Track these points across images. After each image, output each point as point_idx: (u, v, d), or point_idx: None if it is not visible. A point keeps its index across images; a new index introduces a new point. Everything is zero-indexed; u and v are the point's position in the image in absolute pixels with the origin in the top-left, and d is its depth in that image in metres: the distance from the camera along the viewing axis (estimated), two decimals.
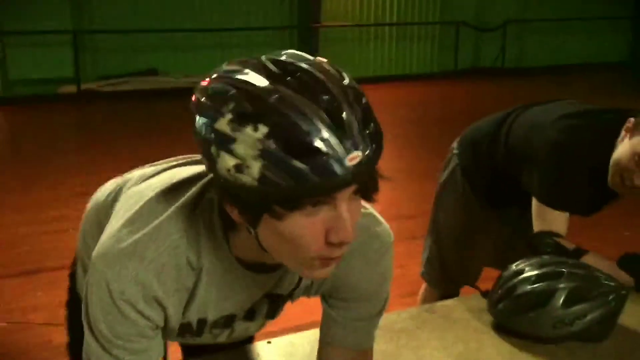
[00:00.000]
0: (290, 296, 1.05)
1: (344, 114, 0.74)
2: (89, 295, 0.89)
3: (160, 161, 1.13)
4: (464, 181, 1.98)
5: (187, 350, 1.47)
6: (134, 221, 0.90)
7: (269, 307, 1.04)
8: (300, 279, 1.00)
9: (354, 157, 0.73)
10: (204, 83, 0.79)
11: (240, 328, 1.06)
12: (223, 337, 1.08)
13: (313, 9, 8.62)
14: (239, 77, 0.76)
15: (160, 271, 0.87)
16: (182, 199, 0.90)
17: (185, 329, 0.99)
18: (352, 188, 0.77)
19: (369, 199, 0.82)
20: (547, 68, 9.87)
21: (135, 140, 5.84)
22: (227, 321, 1.02)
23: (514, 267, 1.48)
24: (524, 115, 1.82)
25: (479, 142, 1.92)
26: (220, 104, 0.75)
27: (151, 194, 0.93)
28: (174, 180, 0.95)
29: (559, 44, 10.20)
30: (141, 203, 0.92)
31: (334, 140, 0.73)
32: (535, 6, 9.94)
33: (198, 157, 0.98)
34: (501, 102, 7.32)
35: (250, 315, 1.03)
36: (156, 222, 0.88)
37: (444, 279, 2.10)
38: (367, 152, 0.75)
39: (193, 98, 0.80)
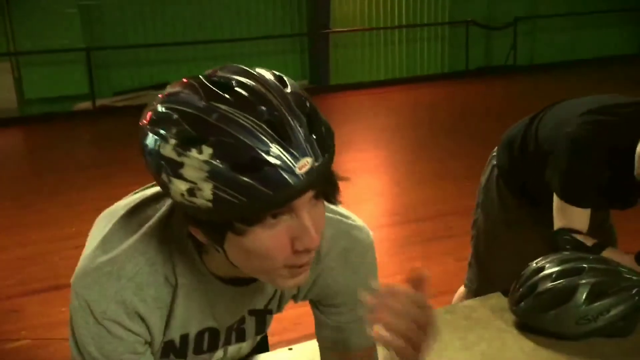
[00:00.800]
0: (279, 307, 1.05)
1: (286, 123, 0.73)
2: (74, 320, 0.90)
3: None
4: (499, 180, 1.97)
5: None
6: (107, 241, 0.90)
7: (256, 323, 1.04)
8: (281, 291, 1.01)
9: (304, 165, 0.73)
10: (149, 109, 0.79)
11: (233, 350, 1.07)
12: (217, 359, 1.07)
13: (322, 15, 8.64)
14: (178, 99, 0.76)
15: (139, 289, 0.88)
16: (154, 217, 0.91)
17: (169, 348, 0.98)
18: (310, 194, 0.77)
19: (331, 201, 0.82)
20: (560, 64, 9.80)
21: None
22: (212, 339, 1.01)
23: (534, 264, 1.47)
24: (553, 109, 1.81)
25: (513, 140, 1.91)
26: (164, 130, 0.75)
27: (121, 212, 0.94)
28: (143, 198, 0.95)
29: (571, 39, 10.13)
30: (113, 222, 0.92)
31: (280, 151, 0.72)
32: (545, 2, 9.90)
33: None
34: (514, 100, 7.32)
35: (240, 335, 1.04)
36: (131, 240, 0.89)
37: (484, 284, 2.06)
38: (317, 158, 0.74)
39: (140, 124, 0.79)
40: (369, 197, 4.61)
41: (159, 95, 0.79)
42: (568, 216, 1.63)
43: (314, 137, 0.75)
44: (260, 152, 0.72)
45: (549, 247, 1.66)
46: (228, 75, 0.77)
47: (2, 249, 3.94)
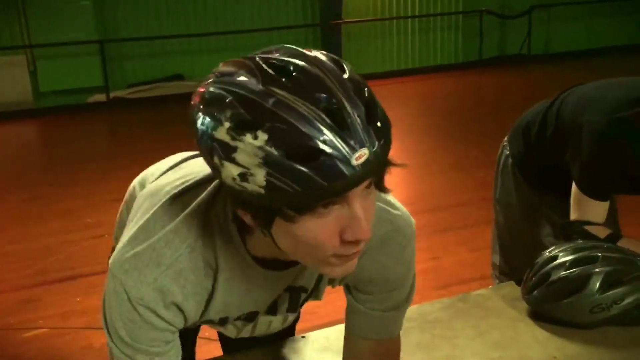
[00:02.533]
0: (316, 291, 1.05)
1: (345, 111, 0.71)
2: (108, 302, 0.90)
3: (178, 154, 1.14)
4: (514, 168, 1.92)
5: (225, 346, 1.50)
6: (148, 226, 0.89)
7: (289, 300, 1.04)
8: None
9: (361, 156, 0.71)
10: (202, 88, 0.77)
11: (263, 322, 1.07)
12: (247, 331, 1.09)
13: (335, 5, 8.61)
14: (234, 81, 0.74)
15: (178, 276, 0.87)
16: (196, 201, 0.89)
17: (207, 323, 1.01)
18: (364, 184, 0.74)
19: (382, 190, 0.80)
20: (576, 53, 9.69)
21: (165, 144, 5.92)
22: (250, 316, 1.03)
23: (547, 253, 1.47)
24: (579, 88, 1.75)
25: (530, 122, 1.84)
26: (217, 112, 0.73)
27: (163, 197, 0.93)
28: (186, 183, 0.94)
29: (587, 27, 10.01)
30: (154, 208, 0.91)
31: (337, 141, 0.70)
32: None
33: None
34: (528, 90, 7.25)
35: (272, 309, 1.04)
36: (170, 226, 0.88)
37: (509, 275, 2.00)
38: (374, 148, 0.72)
39: (192, 102, 0.78)
40: None
41: (212, 74, 0.77)
42: (585, 207, 1.60)
43: (372, 126, 0.73)
44: (316, 141, 0.70)
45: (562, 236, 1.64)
46: (285, 58, 0.74)
47: (20, 240, 3.99)
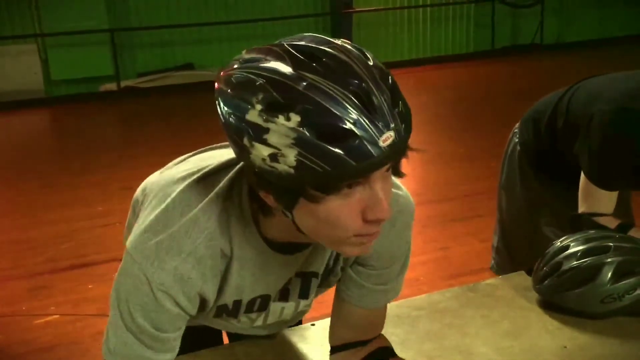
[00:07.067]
0: (328, 275, 1.07)
1: (373, 96, 0.74)
2: (124, 283, 0.91)
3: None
4: (522, 157, 1.91)
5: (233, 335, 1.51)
6: (168, 214, 0.91)
7: (301, 285, 1.06)
8: (332, 255, 1.03)
9: (387, 138, 0.74)
10: (226, 73, 0.79)
11: (275, 310, 1.09)
12: (259, 321, 1.11)
13: None
14: (264, 65, 0.76)
15: (198, 262, 0.90)
16: (214, 190, 0.91)
17: (221, 310, 1.03)
18: (386, 167, 0.78)
19: (399, 175, 0.84)
20: (589, 42, 9.60)
21: (175, 133, 5.94)
22: (263, 302, 1.05)
23: (558, 243, 1.45)
24: (591, 80, 1.74)
25: (541, 112, 1.83)
26: (248, 95, 0.75)
27: (181, 185, 0.94)
28: (203, 170, 0.96)
29: (600, 17, 9.91)
30: (173, 195, 0.93)
31: (365, 123, 0.73)
32: None
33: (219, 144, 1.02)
34: (541, 80, 7.20)
35: (284, 295, 1.06)
36: (190, 214, 0.90)
37: (513, 267, 1.98)
38: (399, 131, 0.76)
39: (216, 87, 0.80)
40: None
41: (234, 61, 0.80)
42: (594, 198, 1.59)
43: (396, 111, 0.76)
44: (347, 122, 0.73)
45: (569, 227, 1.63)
46: (314, 45, 0.77)
47: (32, 227, 4.02)
